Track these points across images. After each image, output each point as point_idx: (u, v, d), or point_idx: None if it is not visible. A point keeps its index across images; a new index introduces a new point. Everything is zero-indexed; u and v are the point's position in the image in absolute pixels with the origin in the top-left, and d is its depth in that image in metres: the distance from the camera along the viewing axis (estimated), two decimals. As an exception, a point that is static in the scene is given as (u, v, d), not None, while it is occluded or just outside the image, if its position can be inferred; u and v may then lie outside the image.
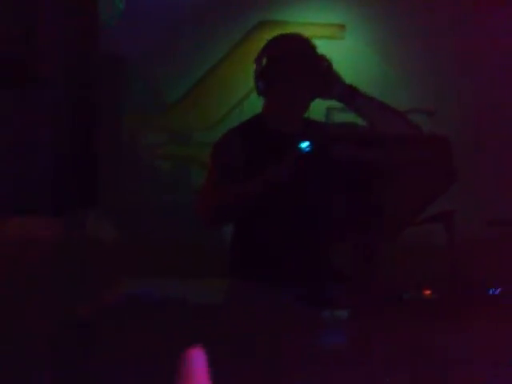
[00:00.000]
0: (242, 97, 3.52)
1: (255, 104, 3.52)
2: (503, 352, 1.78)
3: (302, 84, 2.25)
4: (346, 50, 3.29)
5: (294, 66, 2.25)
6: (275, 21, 3.53)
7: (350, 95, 2.26)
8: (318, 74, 2.24)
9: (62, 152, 1.71)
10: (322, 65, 2.25)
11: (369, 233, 1.95)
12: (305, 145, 2.15)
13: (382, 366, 1.75)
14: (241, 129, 2.40)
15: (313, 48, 2.28)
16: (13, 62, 1.62)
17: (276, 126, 2.35)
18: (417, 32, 3.51)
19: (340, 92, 2.25)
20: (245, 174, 2.27)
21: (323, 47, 2.36)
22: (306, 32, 3.41)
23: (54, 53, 1.66)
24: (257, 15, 3.53)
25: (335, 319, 1.89)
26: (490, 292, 1.99)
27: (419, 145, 1.98)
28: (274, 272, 2.21)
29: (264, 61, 2.28)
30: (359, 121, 2.39)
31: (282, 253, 2.27)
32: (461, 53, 3.48)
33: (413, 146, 1.97)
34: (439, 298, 2.01)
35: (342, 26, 3.60)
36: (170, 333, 1.79)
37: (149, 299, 2.02)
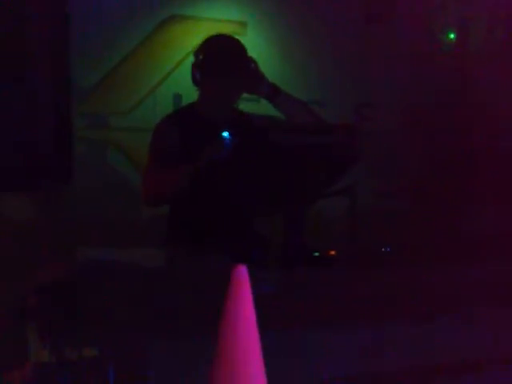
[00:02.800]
0: (155, 85, 3.78)
1: (168, 92, 3.82)
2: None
3: (233, 78, 2.48)
4: (247, 45, 3.65)
5: (229, 62, 2.48)
6: (184, 15, 3.82)
7: (273, 93, 2.52)
8: (248, 71, 2.50)
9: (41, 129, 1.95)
10: (252, 64, 2.56)
11: (290, 204, 2.32)
12: (226, 134, 2.38)
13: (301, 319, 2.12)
14: (176, 116, 2.60)
15: (244, 49, 2.56)
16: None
17: (208, 114, 2.56)
18: (314, 29, 3.95)
19: (265, 90, 2.52)
20: (179, 158, 2.48)
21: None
22: (212, 28, 3.75)
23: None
24: (168, 9, 3.81)
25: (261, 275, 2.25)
26: (383, 250, 2.44)
27: (332, 131, 2.37)
28: (205, 240, 2.47)
29: (202, 55, 2.50)
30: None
31: (213, 224, 2.52)
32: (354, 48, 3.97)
33: (326, 132, 2.37)
34: (342, 257, 2.44)
35: (243, 23, 3.96)
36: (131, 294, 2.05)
37: (101, 266, 2.24)
